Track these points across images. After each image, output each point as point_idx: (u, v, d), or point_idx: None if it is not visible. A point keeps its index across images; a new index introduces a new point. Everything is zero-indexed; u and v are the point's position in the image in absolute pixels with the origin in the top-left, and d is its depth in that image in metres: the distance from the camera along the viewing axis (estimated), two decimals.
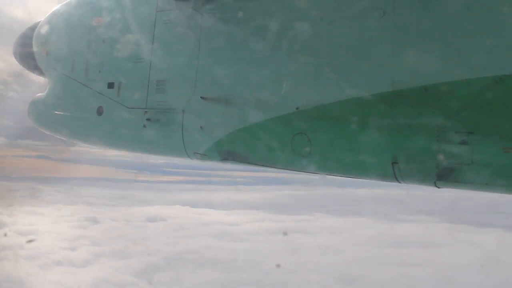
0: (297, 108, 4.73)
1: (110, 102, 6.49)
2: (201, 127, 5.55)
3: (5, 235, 46.72)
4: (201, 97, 5.46)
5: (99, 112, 6.61)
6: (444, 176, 3.96)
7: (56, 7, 7.89)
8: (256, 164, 5.41)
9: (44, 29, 7.85)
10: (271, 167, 5.27)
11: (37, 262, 43.71)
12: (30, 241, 48.78)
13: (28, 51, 8.12)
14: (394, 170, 4.21)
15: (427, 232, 61.71)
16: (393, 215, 71.99)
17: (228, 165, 5.76)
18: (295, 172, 5.26)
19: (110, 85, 6.52)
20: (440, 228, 62.95)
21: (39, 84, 8.56)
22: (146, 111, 6.01)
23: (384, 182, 4.48)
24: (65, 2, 7.74)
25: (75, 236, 51.52)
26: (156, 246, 49.80)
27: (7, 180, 64.54)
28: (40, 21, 8.12)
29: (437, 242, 54.70)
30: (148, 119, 5.98)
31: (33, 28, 8.16)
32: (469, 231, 59.17)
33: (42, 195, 70.15)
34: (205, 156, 5.67)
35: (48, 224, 54.54)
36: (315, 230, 63.79)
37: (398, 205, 75.18)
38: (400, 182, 4.30)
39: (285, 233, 58.71)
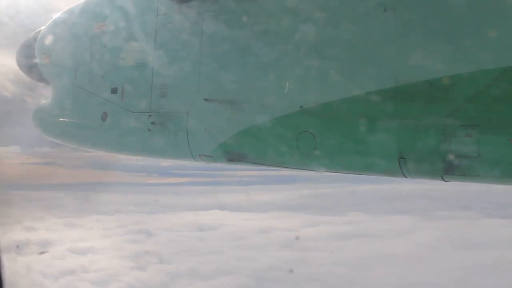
0: (301, 107, 4.82)
1: (114, 107, 6.55)
2: (205, 129, 5.69)
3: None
4: (204, 99, 5.57)
5: (104, 117, 6.70)
6: (451, 169, 4.02)
7: (57, 14, 7.93)
8: (262, 164, 5.44)
9: (46, 37, 7.92)
10: (277, 166, 5.42)
11: None
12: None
13: (30, 60, 8.20)
14: (400, 166, 4.28)
15: (488, 231, 58.86)
16: (430, 212, 69.32)
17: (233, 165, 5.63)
18: (301, 170, 5.20)
19: (114, 90, 6.54)
20: (495, 224, 60.18)
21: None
22: (150, 115, 6.10)
23: (392, 178, 4.49)
24: (66, 10, 7.77)
25: (137, 252, 44.70)
26: (231, 262, 43.97)
27: (23, 189, 56.71)
28: (41, 29, 8.16)
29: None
30: (152, 123, 6.08)
31: (35, 36, 8.19)
32: None
33: (67, 204, 62.69)
34: (211, 157, 5.73)
35: (99, 239, 47.41)
36: (374, 233, 60.37)
37: (424, 200, 72.55)
38: (407, 177, 4.38)
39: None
